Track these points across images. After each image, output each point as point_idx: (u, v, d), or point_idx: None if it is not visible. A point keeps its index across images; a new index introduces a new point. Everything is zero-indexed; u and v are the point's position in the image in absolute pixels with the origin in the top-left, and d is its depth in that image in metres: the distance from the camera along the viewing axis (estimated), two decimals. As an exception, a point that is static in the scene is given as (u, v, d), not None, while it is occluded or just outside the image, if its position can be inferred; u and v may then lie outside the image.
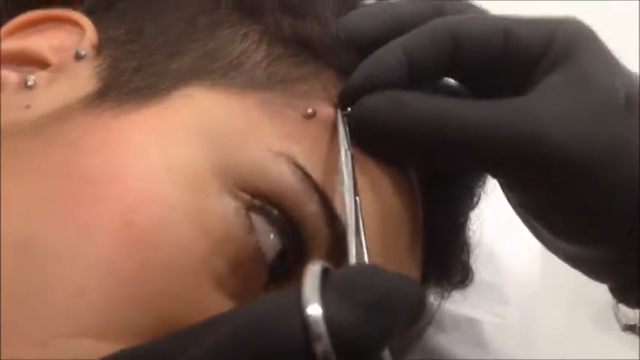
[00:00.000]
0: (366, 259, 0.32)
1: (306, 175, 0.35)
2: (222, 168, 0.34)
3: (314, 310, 0.24)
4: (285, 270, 0.34)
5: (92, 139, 0.34)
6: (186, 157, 0.34)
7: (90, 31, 0.39)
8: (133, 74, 0.37)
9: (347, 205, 0.33)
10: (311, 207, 0.34)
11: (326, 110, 0.37)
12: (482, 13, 0.40)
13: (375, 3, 0.42)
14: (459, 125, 0.36)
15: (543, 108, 0.36)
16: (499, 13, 0.39)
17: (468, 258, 0.42)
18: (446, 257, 0.42)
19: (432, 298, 0.43)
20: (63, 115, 0.35)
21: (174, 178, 0.33)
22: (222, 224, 0.33)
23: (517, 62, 0.37)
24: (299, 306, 0.25)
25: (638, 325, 0.41)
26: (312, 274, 0.25)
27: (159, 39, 0.39)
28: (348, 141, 0.36)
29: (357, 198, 0.34)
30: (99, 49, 0.38)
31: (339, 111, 0.37)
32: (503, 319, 0.48)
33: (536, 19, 0.38)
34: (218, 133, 0.35)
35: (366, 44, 0.38)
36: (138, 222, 0.32)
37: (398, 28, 0.39)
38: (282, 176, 0.34)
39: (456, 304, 0.46)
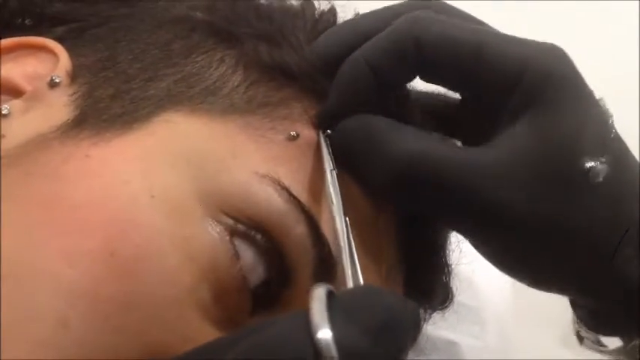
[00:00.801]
0: (361, 280, 0.32)
1: (292, 197, 0.34)
2: (206, 193, 0.34)
3: (324, 334, 0.24)
4: (270, 296, 0.34)
5: (72, 168, 0.33)
6: (170, 184, 0.33)
7: (64, 59, 0.38)
8: (111, 101, 0.36)
9: (338, 227, 0.33)
10: (297, 229, 0.34)
11: (308, 132, 0.37)
12: (453, 15, 0.39)
13: (342, 22, 0.42)
14: (422, 171, 0.35)
15: (497, 168, 0.35)
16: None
17: (449, 279, 0.42)
18: (427, 279, 0.41)
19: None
20: (40, 144, 0.35)
21: (158, 205, 0.33)
22: (207, 252, 0.33)
23: (488, 84, 0.36)
24: (309, 330, 0.25)
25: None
26: (319, 298, 0.25)
27: (134, 65, 0.38)
28: (332, 161, 0.36)
29: (347, 219, 0.34)
30: (73, 76, 0.38)
31: (320, 133, 0.37)
32: (480, 340, 0.48)
33: (512, 39, 0.37)
34: (201, 157, 0.35)
35: (336, 63, 0.38)
36: (121, 251, 0.31)
37: (364, 40, 0.38)
38: (268, 199, 0.34)
39: (434, 326, 0.46)
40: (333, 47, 0.39)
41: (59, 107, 0.36)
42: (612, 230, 0.35)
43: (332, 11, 0.43)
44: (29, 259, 0.31)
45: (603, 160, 0.34)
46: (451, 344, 0.47)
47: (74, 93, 0.37)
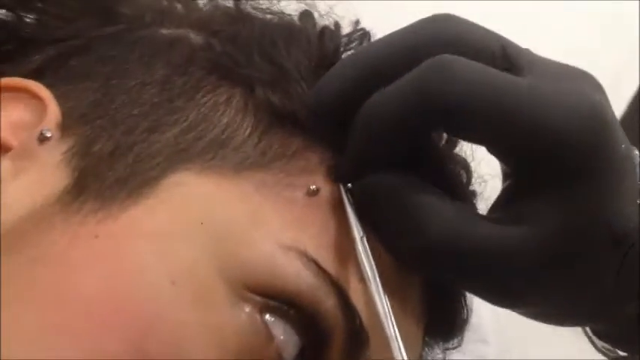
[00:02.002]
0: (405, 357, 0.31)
1: (320, 269, 0.32)
2: (229, 270, 0.31)
3: None
4: None
5: (81, 253, 0.30)
6: (190, 264, 0.31)
7: (52, 106, 0.34)
8: (111, 160, 0.33)
9: (379, 309, 0.31)
10: (328, 303, 0.32)
11: (328, 186, 0.34)
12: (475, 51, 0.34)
13: (351, 56, 0.37)
14: (452, 254, 0.32)
15: (525, 254, 0.32)
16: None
17: (466, 321, 0.41)
18: (448, 322, 0.40)
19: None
20: (41, 221, 0.31)
21: (181, 293, 0.30)
22: (239, 337, 0.30)
23: (513, 151, 0.33)
24: None
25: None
26: None
27: (132, 110, 0.34)
28: (359, 226, 0.33)
29: (386, 298, 0.31)
30: (64, 127, 0.34)
31: (343, 191, 0.34)
32: (485, 355, 0.47)
33: (544, 99, 0.32)
34: (219, 228, 0.32)
35: (348, 109, 0.34)
36: (149, 350, 0.29)
37: (378, 81, 0.34)
38: (296, 274, 0.32)
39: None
40: (343, 91, 0.34)
41: (53, 169, 0.33)
42: None
43: (336, 34, 0.39)
44: None
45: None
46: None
47: (68, 150, 0.33)
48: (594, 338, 0.39)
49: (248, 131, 0.34)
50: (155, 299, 0.29)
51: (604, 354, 0.39)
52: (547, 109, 0.31)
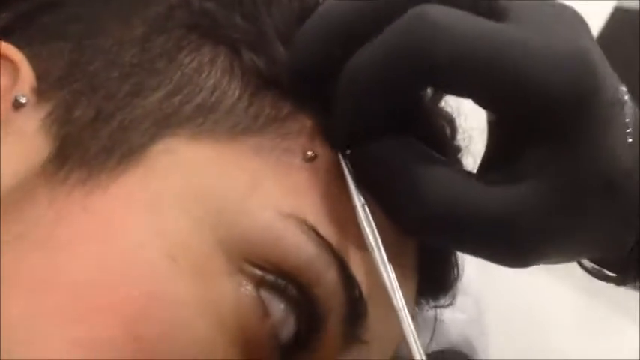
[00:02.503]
0: (414, 330, 0.30)
1: (321, 238, 0.31)
2: (228, 241, 0.30)
3: None
4: (298, 344, 0.31)
5: (69, 230, 0.28)
6: (188, 237, 0.29)
7: (25, 69, 0.31)
8: (95, 127, 0.31)
9: (385, 279, 0.30)
10: (329, 274, 0.31)
11: (325, 151, 0.32)
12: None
13: (320, 13, 0.33)
14: (453, 221, 0.31)
15: (529, 213, 0.31)
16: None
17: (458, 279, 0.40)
18: (439, 279, 0.39)
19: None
20: (25, 194, 0.29)
21: (181, 269, 0.28)
22: (237, 313, 0.29)
23: (504, 106, 0.31)
24: None
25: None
26: None
27: (111, 72, 0.32)
28: (359, 193, 0.32)
29: (391, 267, 0.30)
30: (39, 91, 0.31)
31: (341, 159, 0.32)
32: (463, 313, 0.47)
33: (532, 48, 0.30)
34: (217, 197, 0.30)
35: (322, 74, 0.32)
36: (147, 333, 0.27)
37: (351, 38, 0.31)
38: (296, 244, 0.30)
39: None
40: (322, 53, 0.32)
41: (32, 137, 0.30)
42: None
43: None
44: (36, 356, 0.26)
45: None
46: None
47: (47, 116, 0.31)
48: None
49: (237, 94, 0.32)
50: (153, 277, 0.28)
51: (592, 274, 0.39)
52: (534, 61, 0.30)
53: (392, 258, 0.31)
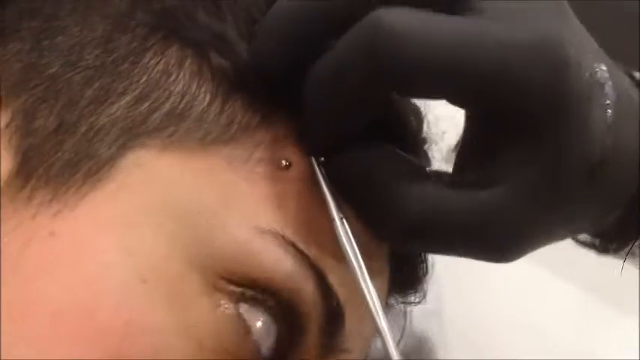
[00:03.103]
0: (392, 344, 0.29)
1: (299, 252, 0.30)
2: (202, 260, 0.28)
3: None
4: (279, 354, 0.30)
5: (38, 256, 0.27)
6: (161, 257, 0.28)
7: None
8: (58, 139, 0.29)
9: (365, 294, 0.29)
10: (307, 287, 0.30)
11: (299, 158, 0.31)
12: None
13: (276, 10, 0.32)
14: (433, 230, 0.30)
15: (507, 214, 0.30)
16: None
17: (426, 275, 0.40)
18: (409, 279, 0.39)
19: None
20: None
21: (153, 291, 0.27)
22: (216, 334, 0.28)
23: (471, 105, 0.31)
24: None
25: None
26: None
27: (73, 77, 0.30)
28: (337, 207, 0.31)
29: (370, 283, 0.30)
30: None
31: (317, 168, 0.31)
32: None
33: (493, 44, 0.29)
34: (189, 212, 0.29)
35: (285, 75, 0.31)
36: (129, 356, 0.26)
37: (311, 39, 0.30)
38: (274, 261, 0.29)
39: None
40: (282, 54, 0.31)
41: None
42: None
43: None
44: None
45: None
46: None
47: (6, 126, 0.29)
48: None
49: (207, 99, 0.30)
50: (126, 302, 0.27)
51: (580, 243, 0.40)
52: (502, 56, 0.28)
53: (366, 259, 0.30)
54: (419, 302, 0.40)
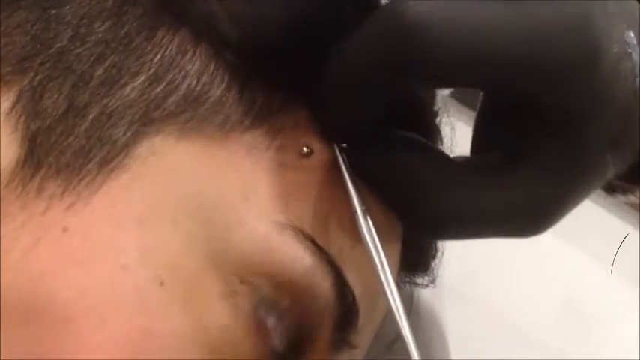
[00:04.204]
0: (412, 342, 0.28)
1: (318, 248, 0.29)
2: (219, 256, 0.27)
3: None
4: (291, 351, 0.29)
5: (49, 255, 0.25)
6: (178, 256, 0.26)
7: None
8: (68, 122, 0.27)
9: (391, 300, 0.28)
10: (324, 284, 0.29)
11: (320, 144, 0.30)
12: None
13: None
14: (469, 229, 0.30)
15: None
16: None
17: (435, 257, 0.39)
18: (420, 258, 0.38)
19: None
20: None
21: (171, 295, 0.26)
22: (232, 339, 0.27)
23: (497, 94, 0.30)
24: None
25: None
26: None
27: (82, 52, 0.28)
28: (358, 196, 0.29)
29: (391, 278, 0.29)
30: (0, 76, 0.27)
31: (339, 156, 0.30)
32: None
33: (522, 28, 0.27)
34: (208, 207, 0.27)
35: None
36: None
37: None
38: (293, 258, 0.28)
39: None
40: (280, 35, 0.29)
41: None
42: None
43: None
44: None
45: None
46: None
47: (12, 107, 0.27)
48: None
49: (226, 81, 0.29)
50: (142, 308, 0.25)
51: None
52: (531, 42, 0.27)
53: (384, 247, 0.30)
54: (427, 285, 0.39)
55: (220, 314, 0.27)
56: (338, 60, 0.28)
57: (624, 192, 0.39)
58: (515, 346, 0.62)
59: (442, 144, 0.37)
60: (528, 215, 0.30)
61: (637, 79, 0.29)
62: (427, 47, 0.26)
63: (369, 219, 0.29)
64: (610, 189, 0.39)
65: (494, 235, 0.31)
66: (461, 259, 0.40)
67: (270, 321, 0.28)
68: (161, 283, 0.26)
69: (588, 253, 0.66)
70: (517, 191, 0.29)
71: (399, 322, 0.28)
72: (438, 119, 0.36)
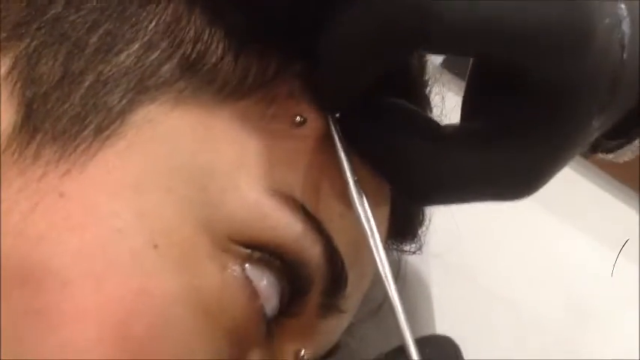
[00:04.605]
0: (400, 309, 0.28)
1: (308, 216, 0.29)
2: (212, 221, 0.28)
3: None
4: (281, 314, 0.30)
5: (45, 219, 0.26)
6: (172, 221, 0.27)
7: None
8: (64, 89, 0.27)
9: (380, 268, 0.29)
10: (314, 250, 0.29)
11: (313, 114, 0.30)
12: None
13: None
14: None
15: None
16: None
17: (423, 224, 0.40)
18: (409, 225, 0.39)
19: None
20: None
21: (164, 257, 0.26)
22: (223, 300, 0.28)
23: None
24: None
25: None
26: None
27: (77, 18, 0.28)
28: (350, 165, 0.30)
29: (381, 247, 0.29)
30: None
31: (332, 126, 0.30)
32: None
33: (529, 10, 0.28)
34: (202, 173, 0.28)
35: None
36: (135, 331, 0.26)
37: None
38: (284, 224, 0.29)
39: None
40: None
41: None
42: None
43: None
44: (25, 356, 0.24)
45: None
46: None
47: (7, 73, 0.27)
48: None
49: (220, 50, 0.29)
50: (137, 270, 0.26)
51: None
52: (520, 14, 0.27)
53: (373, 211, 0.30)
54: (414, 252, 0.40)
55: (212, 277, 0.27)
56: (334, 28, 0.28)
57: (601, 151, 0.39)
58: (500, 312, 0.63)
59: (431, 112, 0.37)
60: (514, 180, 0.30)
61: (625, 49, 0.30)
62: (425, 18, 0.26)
63: (360, 189, 0.30)
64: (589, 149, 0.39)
65: (480, 199, 0.31)
66: (448, 228, 0.41)
67: (261, 286, 0.29)
68: (155, 247, 0.26)
69: (575, 224, 0.68)
70: (503, 157, 0.30)
71: (387, 287, 0.28)
72: (428, 89, 0.37)
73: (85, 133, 0.27)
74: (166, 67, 0.28)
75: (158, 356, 0.26)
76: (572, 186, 0.71)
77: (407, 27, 0.27)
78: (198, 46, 0.29)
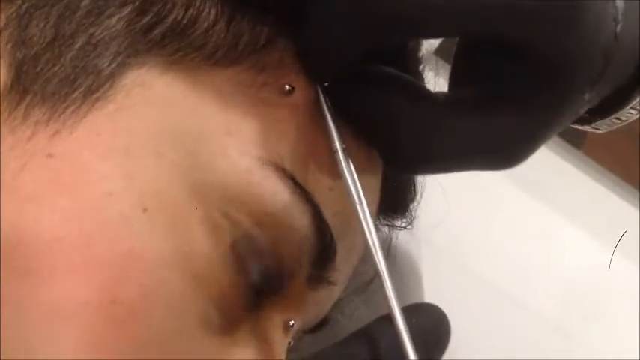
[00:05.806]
0: (388, 278, 0.29)
1: (297, 186, 0.29)
2: (202, 187, 0.28)
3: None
4: (269, 286, 0.30)
5: (35, 180, 0.26)
6: (162, 185, 0.27)
7: None
8: (54, 51, 0.27)
9: (369, 240, 0.29)
10: (302, 221, 0.29)
11: (302, 82, 0.30)
12: None
13: None
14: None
15: None
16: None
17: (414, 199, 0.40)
18: (400, 199, 0.39)
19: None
20: None
21: (153, 221, 0.26)
22: (210, 267, 0.28)
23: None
24: None
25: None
26: None
27: None
28: (338, 134, 0.30)
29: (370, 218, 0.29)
30: None
31: (321, 95, 0.30)
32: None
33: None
34: (192, 139, 0.28)
35: None
36: (124, 295, 0.26)
37: None
38: (273, 193, 0.29)
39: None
40: None
41: None
42: None
43: None
44: (13, 319, 0.24)
45: None
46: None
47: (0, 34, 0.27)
48: None
49: (212, 16, 0.29)
50: (127, 232, 0.26)
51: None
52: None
53: (363, 184, 0.30)
54: (405, 227, 0.40)
55: (201, 243, 0.27)
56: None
57: (589, 123, 0.39)
58: (502, 312, 0.63)
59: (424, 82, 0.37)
60: (502, 148, 0.30)
61: (619, 24, 0.30)
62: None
63: (348, 157, 0.30)
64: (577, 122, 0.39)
65: (470, 168, 0.31)
66: (437, 207, 0.41)
67: (249, 256, 0.29)
68: (145, 210, 0.26)
69: (563, 211, 0.67)
70: (492, 125, 0.30)
71: (375, 257, 0.28)
72: (421, 66, 0.37)
73: (75, 95, 0.27)
74: (157, 31, 0.28)
75: (146, 320, 0.26)
76: (572, 185, 0.71)
77: (401, 7, 0.27)
78: (190, 11, 0.29)
